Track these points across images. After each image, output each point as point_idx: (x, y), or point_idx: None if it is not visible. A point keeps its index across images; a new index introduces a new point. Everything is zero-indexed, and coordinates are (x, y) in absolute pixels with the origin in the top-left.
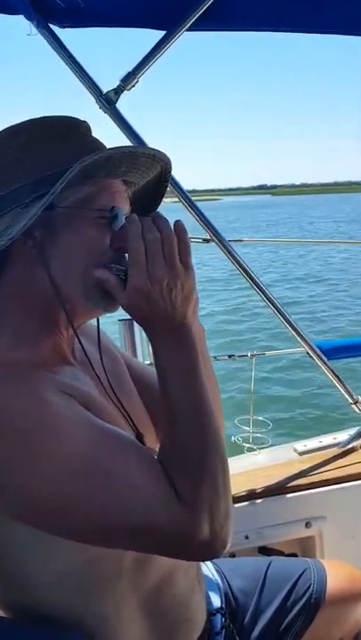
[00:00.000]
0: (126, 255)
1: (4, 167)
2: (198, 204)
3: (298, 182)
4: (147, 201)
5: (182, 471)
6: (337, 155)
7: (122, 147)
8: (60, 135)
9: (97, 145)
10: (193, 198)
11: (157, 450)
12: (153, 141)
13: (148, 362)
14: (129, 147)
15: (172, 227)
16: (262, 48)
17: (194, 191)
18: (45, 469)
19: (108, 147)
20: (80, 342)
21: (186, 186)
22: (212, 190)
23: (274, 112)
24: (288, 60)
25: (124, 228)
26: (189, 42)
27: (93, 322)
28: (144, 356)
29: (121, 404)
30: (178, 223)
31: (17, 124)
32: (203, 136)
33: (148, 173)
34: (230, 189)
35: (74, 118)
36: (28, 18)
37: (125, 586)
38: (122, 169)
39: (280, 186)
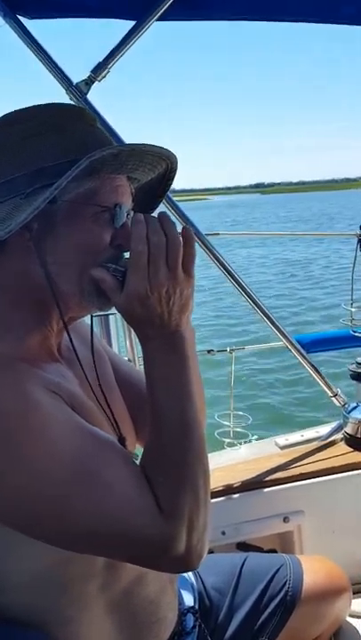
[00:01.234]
0: (125, 254)
1: (4, 154)
2: (187, 205)
3: (295, 180)
4: (148, 197)
5: (165, 480)
6: (336, 152)
7: (131, 144)
8: (65, 124)
9: (102, 137)
10: (185, 199)
11: (134, 452)
12: (151, 139)
13: (126, 358)
14: (139, 144)
15: (181, 231)
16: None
17: (191, 190)
18: (28, 471)
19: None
20: (70, 339)
21: (184, 185)
22: (210, 189)
23: (273, 110)
24: (286, 55)
25: (126, 225)
26: (181, 31)
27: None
28: (120, 353)
29: (108, 405)
30: (187, 229)
31: (19, 110)
32: (203, 135)
33: (154, 171)
34: (228, 188)
35: (79, 108)
36: None
37: (95, 587)
38: (128, 166)
39: (278, 184)
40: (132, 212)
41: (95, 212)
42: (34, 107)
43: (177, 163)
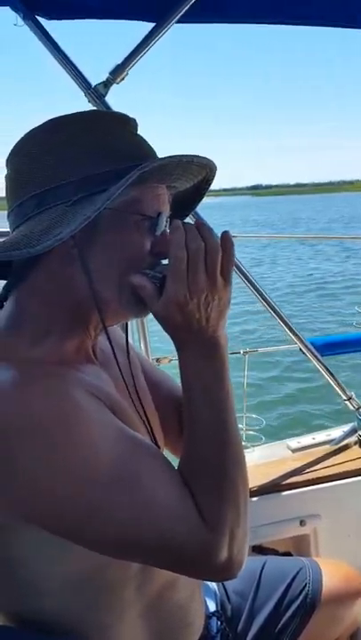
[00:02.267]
0: (162, 261)
1: (49, 160)
2: None
3: (293, 182)
4: (180, 204)
5: (206, 489)
6: (331, 152)
7: (179, 155)
8: (110, 132)
9: (146, 145)
10: None
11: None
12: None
13: None
14: (186, 155)
15: (219, 236)
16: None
17: None
18: (68, 475)
19: None
20: (111, 343)
21: None
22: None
23: (273, 110)
24: (285, 54)
25: (165, 233)
26: (194, 33)
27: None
28: None
29: (143, 409)
30: (226, 234)
31: (63, 116)
32: (203, 136)
33: (193, 180)
34: (225, 190)
35: (123, 115)
36: (14, 9)
37: (130, 592)
38: (173, 176)
39: (275, 186)
40: (168, 220)
41: (137, 220)
42: (77, 113)
43: (215, 172)
